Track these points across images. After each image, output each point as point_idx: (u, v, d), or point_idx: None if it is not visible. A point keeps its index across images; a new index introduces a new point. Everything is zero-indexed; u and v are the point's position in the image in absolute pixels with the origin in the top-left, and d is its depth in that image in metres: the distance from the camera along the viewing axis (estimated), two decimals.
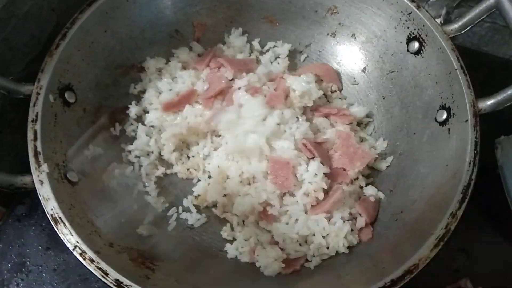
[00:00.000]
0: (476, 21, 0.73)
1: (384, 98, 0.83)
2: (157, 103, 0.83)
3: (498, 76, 0.83)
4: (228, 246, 0.73)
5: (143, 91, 0.85)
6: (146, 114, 0.82)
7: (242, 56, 0.88)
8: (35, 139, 0.64)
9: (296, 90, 0.78)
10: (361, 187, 0.77)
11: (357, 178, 0.77)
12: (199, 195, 0.77)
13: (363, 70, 0.86)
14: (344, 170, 0.76)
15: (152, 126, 0.82)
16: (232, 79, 0.82)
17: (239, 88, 0.80)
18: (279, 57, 0.89)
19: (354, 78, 0.87)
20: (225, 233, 0.74)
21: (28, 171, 0.63)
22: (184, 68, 0.86)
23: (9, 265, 0.77)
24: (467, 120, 0.66)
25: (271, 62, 0.88)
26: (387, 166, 0.78)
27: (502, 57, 1.02)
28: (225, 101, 0.81)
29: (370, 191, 0.75)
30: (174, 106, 0.82)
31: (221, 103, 0.81)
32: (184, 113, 0.81)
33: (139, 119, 0.83)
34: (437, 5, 1.03)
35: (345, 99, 0.86)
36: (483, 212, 0.81)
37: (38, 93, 0.67)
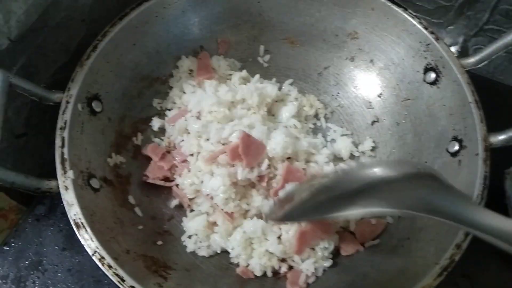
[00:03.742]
0: (493, 56, 0.75)
1: (398, 125, 0.85)
2: (180, 103, 0.86)
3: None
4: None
5: (166, 108, 0.88)
6: (166, 124, 0.85)
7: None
8: (63, 146, 0.67)
9: None
10: None
11: None
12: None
13: (379, 96, 0.88)
14: None
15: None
16: None
17: None
18: None
19: (370, 102, 0.89)
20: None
21: (49, 174, 0.66)
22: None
23: (27, 262, 0.80)
24: (477, 154, 0.68)
25: None
26: None
27: None
28: None
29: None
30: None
31: None
32: None
33: (162, 131, 0.86)
34: (455, 33, 1.05)
35: None
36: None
37: (67, 102, 0.70)
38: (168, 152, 0.83)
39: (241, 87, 0.85)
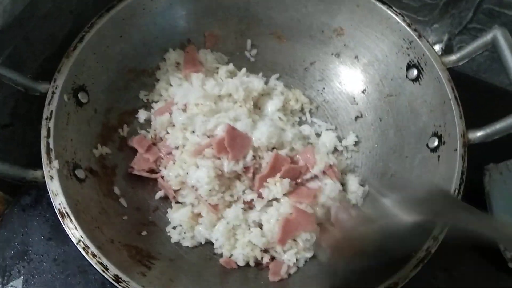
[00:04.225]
0: (473, 55, 0.76)
1: (381, 120, 0.86)
2: (166, 95, 0.87)
3: (493, 104, 0.87)
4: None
5: (153, 101, 0.89)
6: (152, 117, 0.86)
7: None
8: (48, 136, 0.68)
9: None
10: None
11: None
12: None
13: (363, 91, 0.90)
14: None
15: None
16: None
17: None
18: None
19: (354, 98, 0.90)
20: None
21: (36, 164, 0.67)
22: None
23: (12, 252, 0.81)
24: (456, 150, 0.70)
25: None
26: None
27: (498, 85, 1.05)
28: None
29: None
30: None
31: None
32: None
33: (148, 124, 0.86)
34: (440, 31, 1.07)
35: None
36: None
37: (53, 92, 0.71)
38: (154, 144, 0.84)
39: (227, 81, 0.86)
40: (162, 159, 0.82)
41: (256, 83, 0.87)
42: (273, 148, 0.81)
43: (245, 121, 0.79)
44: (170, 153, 0.82)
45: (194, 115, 0.81)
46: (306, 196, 0.77)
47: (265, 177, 0.77)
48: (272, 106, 0.88)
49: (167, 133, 0.83)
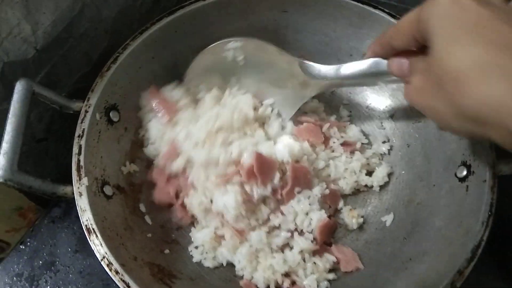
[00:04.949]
0: None
1: (408, 147, 0.85)
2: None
3: None
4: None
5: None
6: None
7: None
8: (79, 153, 0.70)
9: None
10: None
11: None
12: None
13: (391, 117, 0.89)
14: None
15: None
16: None
17: None
18: None
19: (382, 123, 0.90)
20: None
21: (66, 178, 0.69)
22: None
23: (41, 262, 0.83)
24: (485, 181, 0.68)
25: None
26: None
27: None
28: None
29: None
30: None
31: None
32: None
33: None
34: None
35: None
36: (497, 260, 0.82)
37: (86, 111, 0.73)
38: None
39: (214, 112, 0.81)
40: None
41: (243, 103, 0.83)
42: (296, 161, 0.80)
43: (266, 144, 0.79)
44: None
45: (211, 149, 0.78)
46: None
47: (291, 191, 0.77)
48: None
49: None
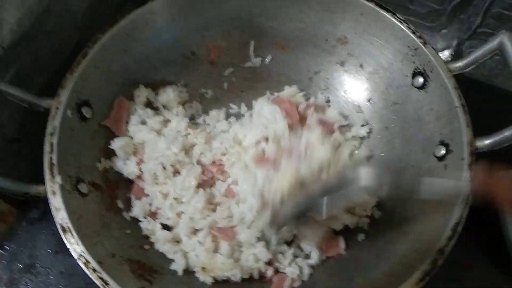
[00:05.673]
0: (480, 61, 0.75)
1: (387, 129, 0.85)
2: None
3: (505, 110, 0.85)
4: None
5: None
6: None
7: None
8: (51, 151, 0.68)
9: None
10: None
11: None
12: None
13: (369, 100, 0.88)
14: None
15: None
16: None
17: None
18: None
19: (360, 107, 0.89)
20: None
21: (42, 178, 0.67)
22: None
23: (20, 265, 0.82)
24: (463, 159, 0.68)
25: None
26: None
27: (510, 90, 1.03)
28: None
29: None
30: None
31: None
32: None
33: None
34: (449, 37, 1.05)
35: None
36: (477, 242, 0.82)
37: (57, 108, 0.71)
38: None
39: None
40: None
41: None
42: None
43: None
44: None
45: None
46: None
47: None
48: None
49: None
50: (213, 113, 0.90)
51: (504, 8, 0.92)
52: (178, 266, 0.73)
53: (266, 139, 0.79)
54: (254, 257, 0.73)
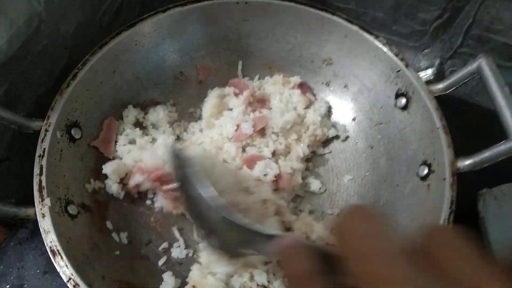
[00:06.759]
0: (460, 83, 0.77)
1: (371, 148, 0.87)
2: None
3: (486, 129, 0.87)
4: None
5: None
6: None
7: None
8: (41, 174, 0.69)
9: None
10: None
11: None
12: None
13: (353, 119, 0.91)
14: None
15: None
16: None
17: None
18: None
19: (345, 126, 0.91)
20: None
21: (31, 199, 0.68)
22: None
23: (8, 286, 0.81)
24: (445, 179, 0.70)
25: None
26: None
27: (491, 108, 1.05)
28: None
29: None
30: None
31: None
32: None
33: None
34: (431, 56, 1.08)
35: None
36: None
37: (46, 130, 0.72)
38: None
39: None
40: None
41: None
42: None
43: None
44: None
45: None
46: None
47: None
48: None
49: None
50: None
51: (483, 30, 0.96)
52: (168, 286, 0.73)
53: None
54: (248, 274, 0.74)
